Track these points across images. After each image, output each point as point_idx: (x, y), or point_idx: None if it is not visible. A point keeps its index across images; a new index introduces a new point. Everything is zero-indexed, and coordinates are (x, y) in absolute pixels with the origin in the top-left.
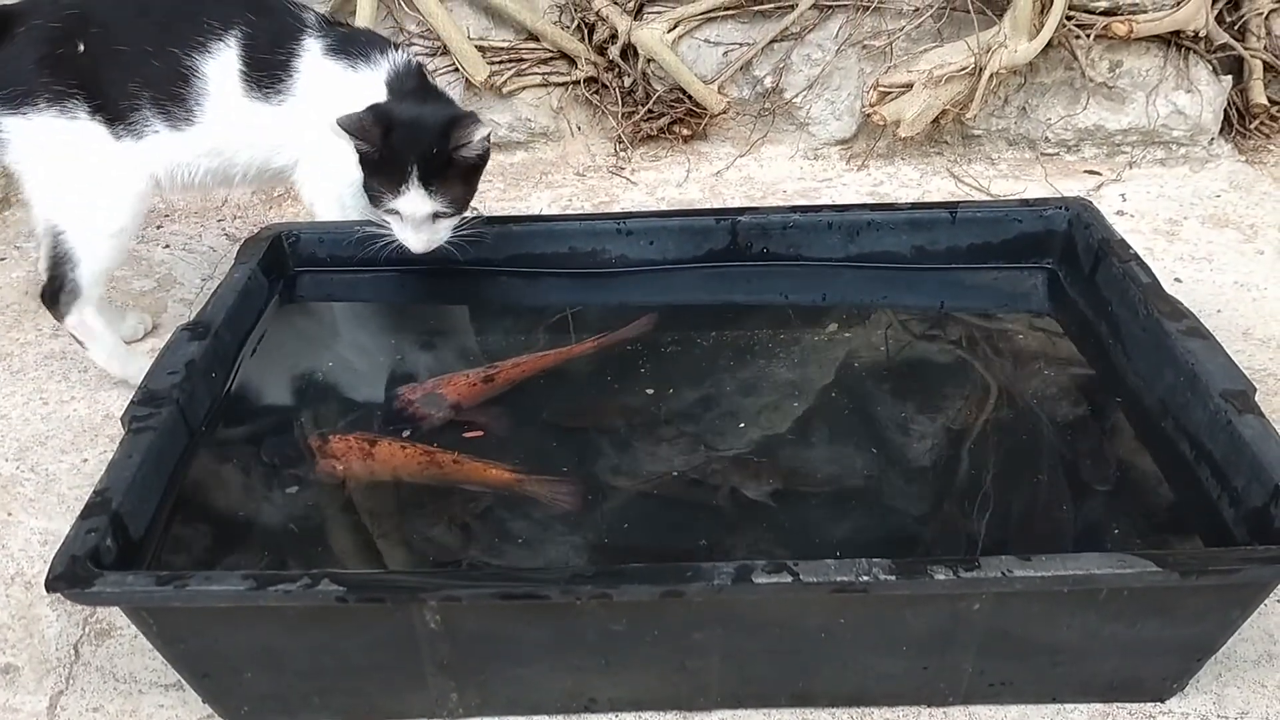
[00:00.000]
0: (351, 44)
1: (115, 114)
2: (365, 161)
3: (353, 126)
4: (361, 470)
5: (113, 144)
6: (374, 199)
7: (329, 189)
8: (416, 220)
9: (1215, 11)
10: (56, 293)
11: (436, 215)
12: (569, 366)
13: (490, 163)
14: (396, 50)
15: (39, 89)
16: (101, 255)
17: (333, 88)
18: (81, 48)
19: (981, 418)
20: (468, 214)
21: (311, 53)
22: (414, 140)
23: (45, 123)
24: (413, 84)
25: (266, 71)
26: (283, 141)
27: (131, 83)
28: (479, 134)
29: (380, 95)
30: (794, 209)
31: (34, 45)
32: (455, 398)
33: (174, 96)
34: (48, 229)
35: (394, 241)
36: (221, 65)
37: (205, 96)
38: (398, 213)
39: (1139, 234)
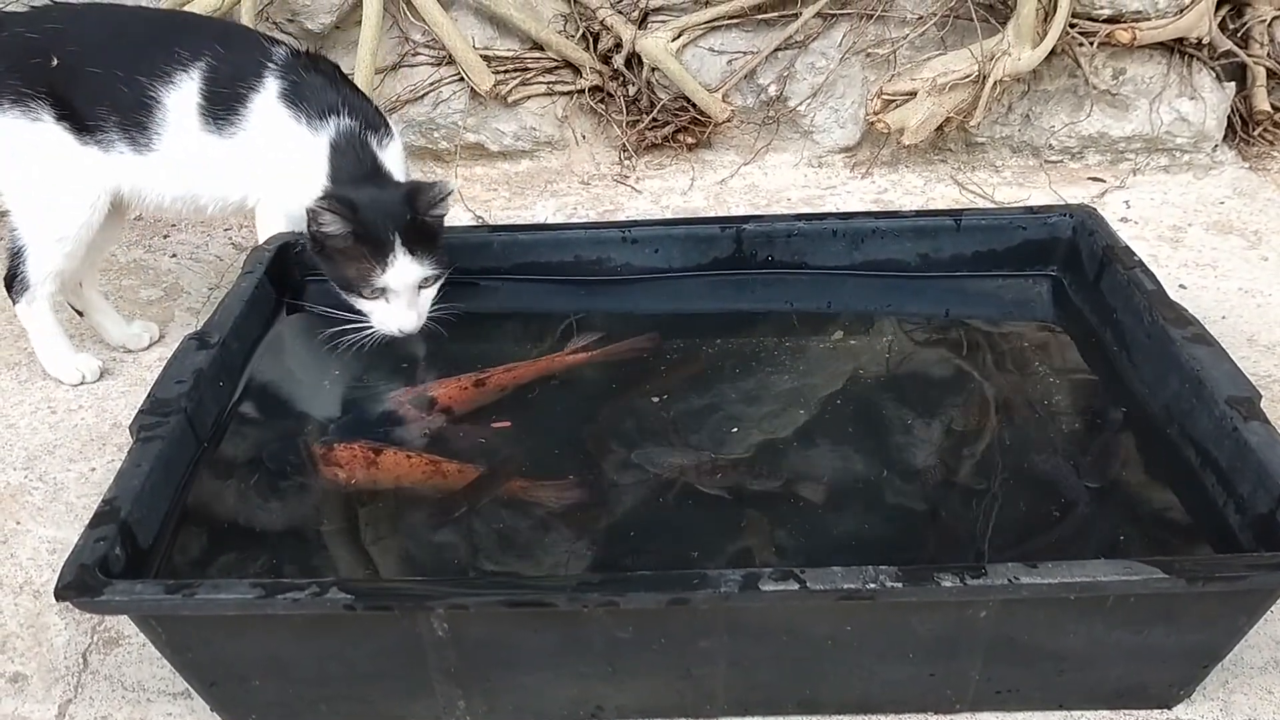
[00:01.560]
0: (306, 96)
1: (82, 128)
2: (334, 249)
3: (327, 206)
4: (365, 479)
5: (76, 150)
6: (354, 286)
7: (275, 218)
8: (408, 290)
9: (1218, 18)
10: (11, 280)
11: (423, 282)
12: (576, 372)
13: (496, 171)
14: (345, 114)
15: (5, 89)
16: (46, 258)
17: (278, 135)
18: (55, 63)
19: (986, 425)
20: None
21: (268, 92)
22: (389, 210)
23: (7, 123)
24: (354, 155)
25: (223, 105)
26: (235, 176)
27: (100, 106)
28: (448, 188)
29: (322, 159)
30: (798, 217)
31: (8, 51)
32: (446, 401)
33: (137, 124)
34: (10, 223)
35: (368, 333)
36: (182, 97)
37: (164, 126)
38: (384, 290)
39: (1143, 241)
